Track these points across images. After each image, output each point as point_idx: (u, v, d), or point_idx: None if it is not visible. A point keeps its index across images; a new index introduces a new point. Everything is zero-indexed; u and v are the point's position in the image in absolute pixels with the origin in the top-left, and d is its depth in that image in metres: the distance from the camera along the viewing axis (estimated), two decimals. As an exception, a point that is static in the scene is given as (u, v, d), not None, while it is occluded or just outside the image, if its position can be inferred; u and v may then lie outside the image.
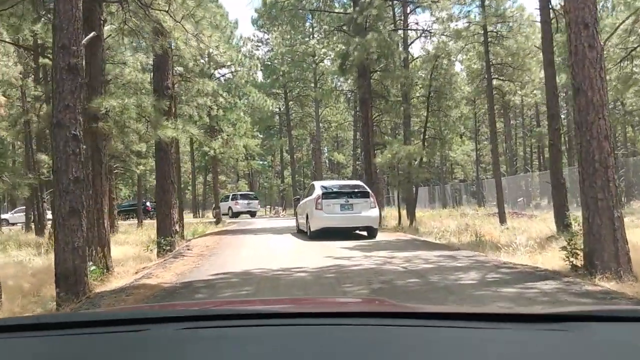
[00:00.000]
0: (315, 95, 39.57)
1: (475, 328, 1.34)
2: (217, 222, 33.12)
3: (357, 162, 42.99)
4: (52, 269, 7.62)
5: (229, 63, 34.40)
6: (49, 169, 18.45)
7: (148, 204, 38.54)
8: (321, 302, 2.40)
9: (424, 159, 19.65)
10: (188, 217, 45.79)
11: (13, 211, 39.96)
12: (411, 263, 9.32)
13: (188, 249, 12.85)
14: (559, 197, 13.97)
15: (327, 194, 14.64)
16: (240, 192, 43.92)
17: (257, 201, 41.29)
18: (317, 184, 15.97)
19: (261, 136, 51.37)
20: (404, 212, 20.57)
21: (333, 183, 16.80)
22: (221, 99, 29.56)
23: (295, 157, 52.49)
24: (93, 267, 9.04)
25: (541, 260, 9.48)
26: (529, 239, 12.11)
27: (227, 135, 31.87)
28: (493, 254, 10.71)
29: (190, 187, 54.29)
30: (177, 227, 13.39)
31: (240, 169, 53.30)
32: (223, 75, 36.06)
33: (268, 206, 57.40)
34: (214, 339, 1.33)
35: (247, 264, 9.58)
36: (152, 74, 14.47)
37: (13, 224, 35.75)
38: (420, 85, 21.41)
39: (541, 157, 53.49)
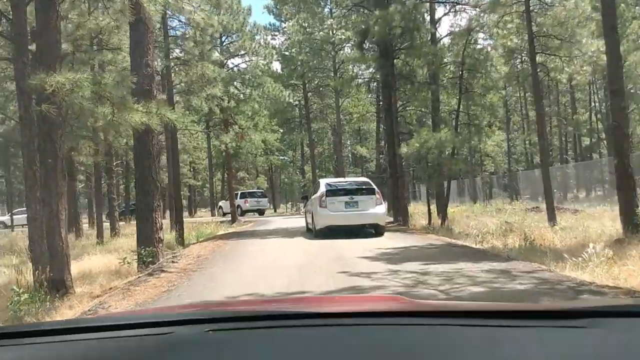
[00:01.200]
0: (335, 84, 37.07)
1: (494, 326, 1.34)
2: (233, 221, 31.02)
3: (381, 156, 40.50)
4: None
5: (242, 52, 32.27)
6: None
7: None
8: (345, 300, 2.43)
9: (457, 148, 17.07)
10: (206, 215, 44.06)
11: (11, 212, 38.13)
12: (453, 284, 6.89)
13: (173, 262, 10.56)
14: (627, 191, 11.38)
15: (332, 192, 14.49)
16: (248, 190, 42.17)
17: (266, 199, 40.10)
18: (323, 182, 15.85)
19: (281, 130, 49.30)
20: (433, 208, 18.13)
21: (339, 180, 16.60)
22: (233, 89, 27.34)
23: (316, 151, 50.16)
24: (25, 295, 6.80)
25: (623, 276, 7.04)
26: (592, 243, 9.55)
27: (241, 129, 29.62)
28: (556, 265, 8.22)
29: (208, 185, 52.41)
30: (160, 234, 11.11)
31: (260, 165, 51.18)
32: (236, 66, 33.80)
33: (290, 202, 55.32)
34: (240, 340, 1.33)
35: (234, 287, 7.27)
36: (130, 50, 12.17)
37: (14, 226, 34.00)
38: (450, 65, 18.77)
39: (577, 146, 50.44)
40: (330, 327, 1.38)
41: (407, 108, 22.54)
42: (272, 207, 53.98)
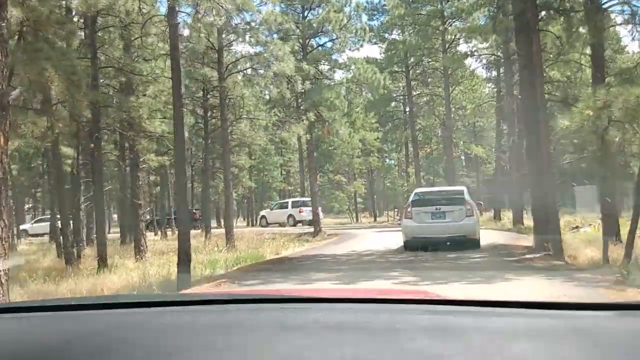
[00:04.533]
0: (444, 63, 30.26)
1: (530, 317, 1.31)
2: (315, 234, 25.04)
3: (503, 155, 33.04)
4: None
5: (326, 25, 26.16)
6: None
7: (195, 211, 31.60)
8: (376, 291, 2.45)
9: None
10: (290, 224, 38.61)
11: (33, 221, 34.57)
12: None
13: None
14: None
15: (418, 202, 14.40)
16: (303, 199, 36.79)
17: (320, 208, 34.51)
18: (415, 191, 16.13)
19: (381, 129, 43.11)
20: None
21: (430, 189, 16.99)
22: (312, 69, 21.38)
23: (422, 152, 43.19)
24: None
25: None
26: None
27: (324, 120, 23.58)
28: None
29: (299, 189, 46.90)
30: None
31: (356, 167, 45.04)
32: (321, 45, 27.69)
33: (395, 209, 48.72)
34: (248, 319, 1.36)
35: None
36: None
37: (37, 235, 30.07)
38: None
39: None
40: (357, 312, 1.39)
41: (559, 60, 15.16)
42: (362, 216, 47.85)
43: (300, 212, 33.95)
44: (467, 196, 14.56)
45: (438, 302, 1.54)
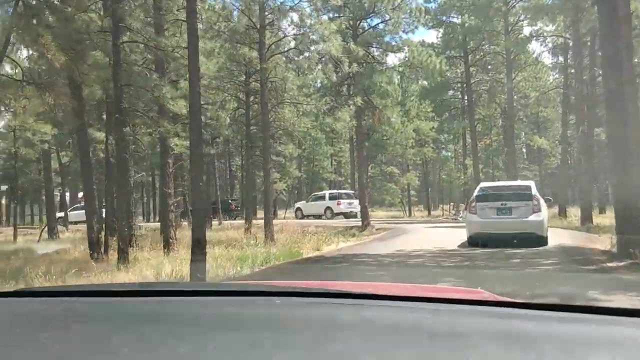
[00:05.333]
0: (506, 46, 28.00)
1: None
2: (363, 228, 23.46)
3: (569, 148, 30.62)
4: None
5: (378, 5, 24.37)
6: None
7: (231, 201, 30.60)
8: (432, 289, 2.24)
9: None
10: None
11: (71, 208, 33.87)
12: None
13: None
14: None
15: (482, 197, 13.92)
16: (342, 191, 36.44)
17: (357, 201, 34.73)
18: (480, 185, 15.76)
19: (437, 119, 41.05)
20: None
21: (495, 184, 16.77)
22: (361, 51, 19.69)
23: (481, 143, 40.81)
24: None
25: None
26: None
27: (366, 105, 21.87)
28: None
29: (350, 180, 45.31)
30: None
31: (410, 158, 43.03)
32: (373, 27, 25.86)
33: (452, 203, 46.55)
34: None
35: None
36: None
37: (75, 223, 29.35)
38: None
39: None
40: (393, 308, 1.34)
41: None
42: (415, 210, 45.98)
43: (338, 204, 33.26)
44: (534, 191, 14.00)
45: (500, 304, 1.40)
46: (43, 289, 2.89)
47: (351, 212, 33.48)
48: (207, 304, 1.42)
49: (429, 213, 44.48)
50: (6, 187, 35.26)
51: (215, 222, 29.08)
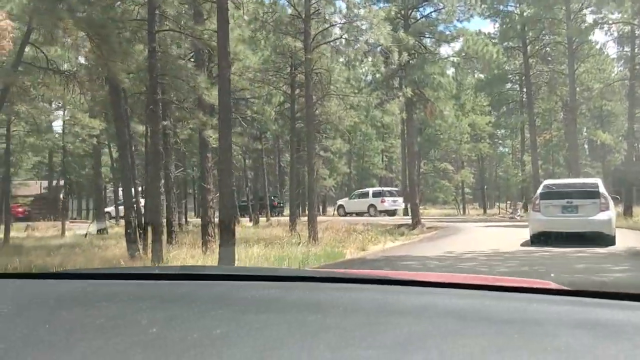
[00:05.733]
0: (568, 34, 26.38)
1: None
2: (413, 227, 22.49)
3: (635, 143, 28.75)
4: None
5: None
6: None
7: (274, 197, 32.17)
8: (492, 279, 1.89)
9: None
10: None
11: (116, 203, 33.72)
12: None
13: None
14: None
15: (547, 194, 13.55)
16: (387, 188, 35.74)
17: (401, 199, 34.96)
18: (544, 183, 15.13)
19: (494, 113, 39.56)
20: None
21: (560, 181, 16.25)
22: (405, 37, 18.66)
23: (540, 138, 39.01)
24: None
25: None
26: None
27: (418, 98, 20.81)
28: None
29: (401, 177, 44.18)
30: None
31: (464, 154, 41.59)
32: (425, 16, 24.74)
33: (509, 202, 44.78)
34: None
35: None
36: None
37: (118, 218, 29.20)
38: None
39: None
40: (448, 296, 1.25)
41: None
42: (470, 208, 44.45)
43: (382, 202, 32.97)
44: (602, 189, 13.62)
45: (576, 294, 1.24)
46: (83, 270, 2.90)
47: (395, 210, 33.34)
48: (246, 287, 1.38)
49: (485, 211, 42.85)
50: (63, 181, 35.88)
51: (263, 219, 28.70)
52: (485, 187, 48.26)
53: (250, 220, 28.07)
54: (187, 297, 1.28)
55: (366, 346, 0.94)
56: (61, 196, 29.70)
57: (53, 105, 22.40)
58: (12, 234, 26.42)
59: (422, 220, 24.02)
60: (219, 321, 1.08)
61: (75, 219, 39.07)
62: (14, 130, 20.33)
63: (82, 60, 12.58)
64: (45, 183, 38.68)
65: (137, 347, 0.98)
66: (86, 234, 23.27)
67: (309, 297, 1.25)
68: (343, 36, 17.61)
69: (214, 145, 14.33)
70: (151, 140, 11.11)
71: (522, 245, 13.15)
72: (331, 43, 17.81)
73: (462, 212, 41.79)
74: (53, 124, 25.73)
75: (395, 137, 42.24)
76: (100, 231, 24.13)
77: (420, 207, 38.70)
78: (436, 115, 24.41)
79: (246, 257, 11.62)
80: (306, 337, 0.99)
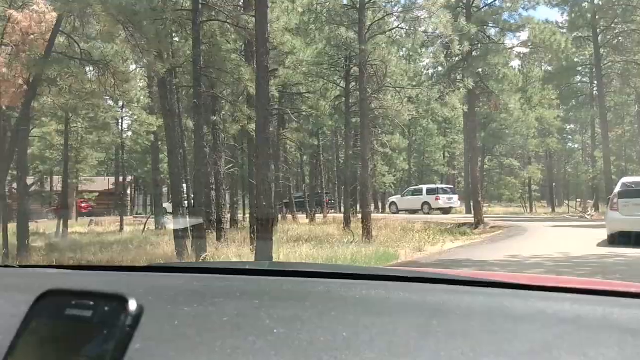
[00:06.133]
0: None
1: None
2: (476, 226, 21.52)
3: None
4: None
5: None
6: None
7: (326, 194, 31.92)
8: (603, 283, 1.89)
9: None
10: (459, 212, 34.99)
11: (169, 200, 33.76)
12: None
13: None
14: None
15: (625, 193, 13.00)
16: (441, 186, 35.08)
17: (456, 196, 33.87)
18: (622, 180, 14.64)
19: (563, 107, 37.78)
20: None
21: None
22: (465, 24, 17.68)
23: (612, 133, 36.90)
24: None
25: None
26: None
27: (481, 91, 19.74)
28: None
29: (463, 173, 42.80)
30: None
31: (532, 150, 39.90)
32: (488, 5, 23.56)
33: (579, 200, 42.68)
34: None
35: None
36: None
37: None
38: None
39: None
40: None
41: None
42: (537, 206, 42.67)
43: (436, 199, 32.21)
44: None
45: None
46: (178, 264, 3.00)
47: (450, 208, 32.67)
48: (349, 286, 1.30)
49: (553, 210, 41.01)
50: (130, 177, 36.59)
51: (319, 216, 28.28)
52: (554, 184, 46.28)
53: (307, 217, 27.69)
54: (295, 294, 1.26)
55: (495, 354, 0.90)
56: (121, 192, 30.10)
57: (112, 102, 22.53)
58: (75, 229, 27.08)
59: (486, 219, 22.96)
60: (340, 323, 1.03)
61: (140, 214, 39.84)
62: (72, 127, 20.53)
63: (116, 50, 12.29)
64: (113, 179, 39.58)
65: (270, 348, 0.95)
66: (143, 230, 23.44)
67: (423, 300, 1.18)
68: (400, 26, 16.82)
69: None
70: (195, 135, 10.71)
71: (595, 247, 12.07)
72: (387, 33, 17.02)
73: (528, 211, 40.19)
74: (120, 120, 25.99)
75: (458, 132, 40.94)
76: (158, 227, 24.25)
77: (485, 204, 37.48)
78: (501, 108, 23.28)
79: (294, 258, 11.12)
80: (437, 342, 0.93)
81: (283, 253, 12.16)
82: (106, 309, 0.86)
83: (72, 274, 1.76)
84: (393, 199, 35.22)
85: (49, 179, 33.01)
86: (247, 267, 1.74)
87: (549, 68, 37.18)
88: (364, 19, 16.42)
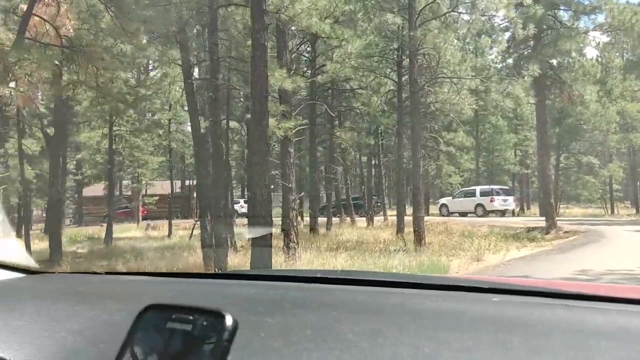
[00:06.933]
0: None
1: None
2: (548, 230, 19.50)
3: None
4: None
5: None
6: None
7: (373, 196, 29.88)
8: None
9: None
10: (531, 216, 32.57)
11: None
12: None
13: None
14: None
15: None
16: (496, 187, 32.46)
17: (512, 198, 32.36)
18: None
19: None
20: None
21: None
22: (530, 4, 15.75)
23: None
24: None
25: None
26: None
27: (552, 81, 17.68)
28: None
29: (536, 172, 40.08)
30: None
31: (613, 146, 36.80)
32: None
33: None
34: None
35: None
36: None
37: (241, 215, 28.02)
38: None
39: None
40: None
41: None
42: (619, 207, 39.49)
43: (491, 201, 30.39)
44: None
45: None
46: (248, 271, 3.19)
47: (505, 210, 31.16)
48: (418, 297, 1.29)
49: (637, 211, 37.65)
50: (189, 181, 36.34)
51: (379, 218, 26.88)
52: (638, 183, 42.81)
53: (366, 220, 26.27)
54: (371, 306, 1.22)
55: None
56: (169, 196, 29.58)
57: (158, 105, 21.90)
58: (130, 233, 26.77)
59: (561, 222, 20.84)
60: (419, 337, 1.01)
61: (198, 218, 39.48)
62: (115, 130, 19.99)
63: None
64: (178, 183, 39.54)
65: None
66: (191, 235, 22.72)
67: (501, 313, 1.12)
68: (454, 9, 15.13)
69: (296, 139, 12.62)
70: (211, 133, 9.54)
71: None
72: (441, 18, 15.37)
73: (610, 212, 37.07)
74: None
75: (531, 128, 38.30)
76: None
77: (561, 206, 34.79)
78: (575, 101, 21.03)
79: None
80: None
81: (317, 263, 10.90)
82: (204, 323, 0.90)
83: (146, 281, 1.76)
84: (443, 200, 33.58)
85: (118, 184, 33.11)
86: (318, 276, 1.64)
87: (632, 58, 34.16)
88: (414, 3, 14.87)
